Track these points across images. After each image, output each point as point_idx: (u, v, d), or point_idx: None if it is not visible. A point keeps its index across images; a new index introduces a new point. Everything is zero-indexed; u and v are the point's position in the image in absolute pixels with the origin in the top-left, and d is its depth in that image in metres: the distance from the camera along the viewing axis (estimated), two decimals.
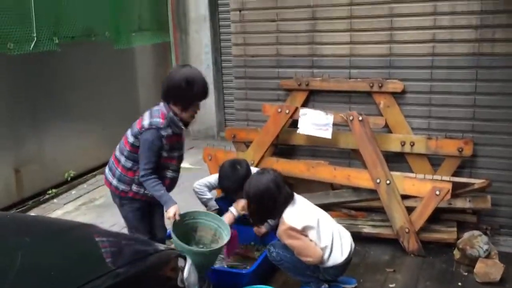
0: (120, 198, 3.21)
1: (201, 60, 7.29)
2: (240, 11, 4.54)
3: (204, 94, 3.02)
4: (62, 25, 5.36)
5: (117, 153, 3.16)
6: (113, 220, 4.64)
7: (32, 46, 4.93)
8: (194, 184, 3.66)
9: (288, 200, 3.09)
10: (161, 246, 2.72)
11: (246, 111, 4.70)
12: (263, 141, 4.30)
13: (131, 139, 3.08)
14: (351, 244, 3.19)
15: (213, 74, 7.27)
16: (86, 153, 5.98)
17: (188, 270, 2.36)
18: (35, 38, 4.96)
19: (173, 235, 2.96)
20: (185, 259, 2.45)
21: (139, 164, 3.03)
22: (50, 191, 5.37)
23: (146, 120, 3.02)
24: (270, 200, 3.03)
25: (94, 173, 5.99)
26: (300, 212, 3.08)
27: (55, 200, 5.30)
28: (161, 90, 3.06)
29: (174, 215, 2.98)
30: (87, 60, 5.94)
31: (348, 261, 3.16)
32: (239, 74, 4.68)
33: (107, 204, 5.16)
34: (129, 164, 3.10)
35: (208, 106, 7.37)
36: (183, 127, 3.08)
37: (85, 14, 5.72)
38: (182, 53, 7.45)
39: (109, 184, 3.21)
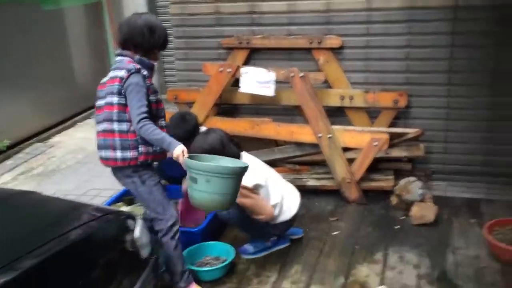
0: (136, 170, 2.79)
1: None
2: None
3: (165, 43, 2.88)
4: None
5: (104, 126, 2.75)
6: (54, 188, 4.53)
7: None
8: None
9: (235, 158, 3.12)
10: (108, 209, 2.70)
11: (188, 72, 4.64)
12: (206, 101, 4.28)
13: (115, 99, 2.72)
14: (299, 199, 3.30)
15: None
16: (21, 121, 5.72)
17: (140, 230, 2.37)
18: None
19: (188, 161, 2.64)
20: (134, 220, 2.46)
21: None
22: None
23: (120, 72, 2.73)
24: None
25: (30, 141, 5.75)
26: (250, 170, 3.13)
27: None
28: (119, 36, 2.83)
29: (182, 153, 2.66)
30: (15, 23, 5.58)
31: (296, 216, 3.28)
32: (179, 33, 4.58)
33: (46, 172, 5.02)
34: (124, 126, 2.74)
35: None
36: (154, 63, 2.90)
37: None
38: (115, 13, 7.15)
39: (114, 161, 2.76)
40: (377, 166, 4.11)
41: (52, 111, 6.21)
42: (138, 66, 2.74)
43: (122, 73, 2.72)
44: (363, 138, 3.87)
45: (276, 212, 3.13)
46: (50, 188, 4.53)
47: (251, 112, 4.50)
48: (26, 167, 5.20)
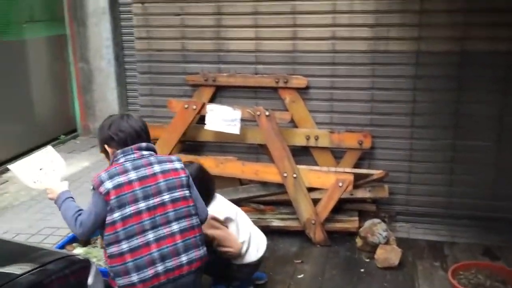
0: None
1: (102, 54, 6.94)
2: (142, 3, 4.38)
3: None
4: None
5: (181, 225, 2.40)
6: (5, 227, 4.27)
7: None
8: None
9: (212, 194, 3.06)
10: (59, 253, 2.53)
11: (152, 108, 4.56)
12: (170, 137, 4.19)
13: (187, 192, 2.46)
14: (265, 243, 3.23)
15: (115, 69, 6.97)
16: None
17: (93, 276, 2.22)
18: None
19: None
20: (88, 265, 2.30)
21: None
22: None
23: (175, 164, 2.49)
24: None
25: None
26: (221, 205, 3.10)
27: None
28: (145, 135, 2.55)
29: None
30: None
31: (262, 259, 3.20)
32: (143, 69, 4.52)
33: None
34: (199, 219, 2.53)
35: (110, 103, 7.06)
36: None
37: None
38: (80, 46, 7.04)
39: (200, 260, 2.48)
40: (341, 207, 4.08)
41: (7, 144, 5.95)
42: None
43: (180, 164, 2.50)
44: (328, 179, 3.84)
45: (244, 249, 3.04)
46: (1, 227, 4.27)
47: (215, 150, 4.42)
48: None
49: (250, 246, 3.11)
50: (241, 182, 4.26)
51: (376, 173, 4.00)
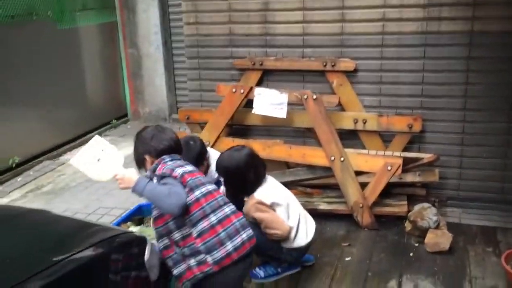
0: None
1: (150, 41, 7.10)
2: None
3: None
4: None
5: (232, 207, 2.61)
6: (63, 207, 4.50)
7: None
8: None
9: (260, 179, 3.11)
10: (118, 230, 2.66)
11: (200, 92, 4.64)
12: (218, 121, 4.26)
13: None
14: (314, 227, 3.26)
15: (163, 55, 7.11)
16: (31, 138, 5.72)
17: (149, 252, 2.33)
18: None
19: None
20: (144, 241, 2.41)
21: None
22: None
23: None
24: (240, 177, 3.04)
25: (40, 159, 5.75)
26: (270, 189, 3.12)
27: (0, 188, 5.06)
28: (180, 145, 2.77)
29: None
30: (29, 40, 5.64)
31: (311, 244, 3.23)
32: (192, 54, 4.60)
33: (56, 190, 4.99)
34: None
35: (158, 88, 7.22)
36: None
37: None
38: (129, 33, 7.22)
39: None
40: (390, 191, 4.03)
41: (62, 129, 6.22)
42: None
43: None
44: (377, 162, 3.81)
45: (292, 235, 3.08)
46: (59, 206, 4.50)
47: (262, 134, 4.46)
48: (35, 184, 5.19)
49: (299, 231, 3.13)
50: (288, 165, 4.29)
51: (426, 157, 3.93)
